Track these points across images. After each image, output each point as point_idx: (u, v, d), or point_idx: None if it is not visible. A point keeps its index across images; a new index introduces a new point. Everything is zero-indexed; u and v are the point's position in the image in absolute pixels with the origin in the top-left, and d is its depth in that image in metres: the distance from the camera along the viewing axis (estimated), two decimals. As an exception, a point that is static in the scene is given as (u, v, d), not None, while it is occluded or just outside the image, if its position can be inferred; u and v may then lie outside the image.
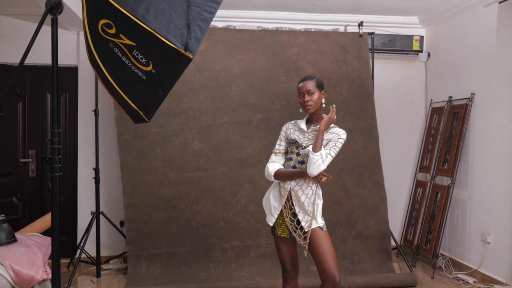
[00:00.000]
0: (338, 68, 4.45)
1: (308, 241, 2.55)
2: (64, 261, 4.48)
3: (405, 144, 5.11)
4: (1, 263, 2.71)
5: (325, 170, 2.52)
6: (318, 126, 2.60)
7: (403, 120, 5.10)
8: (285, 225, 2.63)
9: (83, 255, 4.21)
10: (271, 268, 4.01)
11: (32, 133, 4.66)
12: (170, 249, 4.00)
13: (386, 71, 5.00)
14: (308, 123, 2.70)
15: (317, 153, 2.47)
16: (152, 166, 4.06)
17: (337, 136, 2.59)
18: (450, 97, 4.61)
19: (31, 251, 2.95)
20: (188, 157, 4.11)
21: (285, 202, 2.62)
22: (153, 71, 1.96)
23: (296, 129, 2.70)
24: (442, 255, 4.58)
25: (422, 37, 4.97)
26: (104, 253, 4.47)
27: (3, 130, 4.62)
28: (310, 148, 2.53)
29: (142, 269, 3.93)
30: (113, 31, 1.91)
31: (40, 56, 3.84)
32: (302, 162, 2.60)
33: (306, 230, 2.55)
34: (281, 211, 2.64)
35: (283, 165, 2.67)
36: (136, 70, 1.98)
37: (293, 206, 2.60)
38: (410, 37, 4.94)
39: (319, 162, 2.46)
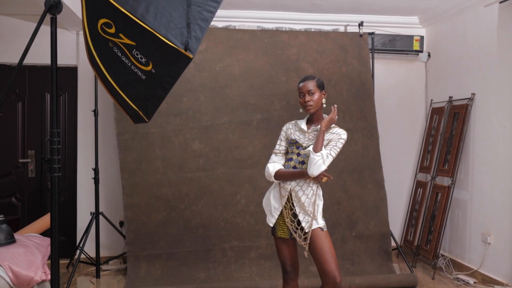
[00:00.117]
0: (338, 68, 4.44)
1: (308, 241, 2.54)
2: (63, 261, 4.48)
3: (405, 144, 5.11)
4: (0, 264, 2.70)
5: (325, 170, 2.51)
6: (319, 126, 2.59)
7: (403, 120, 5.09)
8: (285, 225, 2.62)
9: (82, 256, 4.20)
10: (271, 268, 3.99)
11: (32, 133, 4.65)
12: (169, 250, 3.99)
13: (386, 71, 5.00)
14: (309, 123, 2.69)
15: (318, 154, 2.46)
16: (151, 166, 4.05)
17: (337, 136, 2.58)
18: (450, 97, 4.61)
19: (30, 252, 2.93)
20: (188, 157, 4.10)
21: (286, 203, 2.61)
22: (153, 70, 1.95)
23: (296, 129, 2.69)
24: (443, 255, 4.57)
25: (422, 37, 4.96)
26: (103, 253, 4.46)
27: (2, 130, 4.61)
28: (310, 148, 2.52)
29: (141, 270, 3.92)
30: (112, 30, 1.89)
31: (40, 56, 3.83)
32: (303, 163, 2.59)
33: (306, 231, 2.54)
34: (282, 211, 2.63)
35: (284, 165, 2.66)
36: (135, 70, 1.97)
37: (293, 206, 2.59)
38: (410, 37, 4.93)
39: (319, 162, 2.44)
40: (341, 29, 4.91)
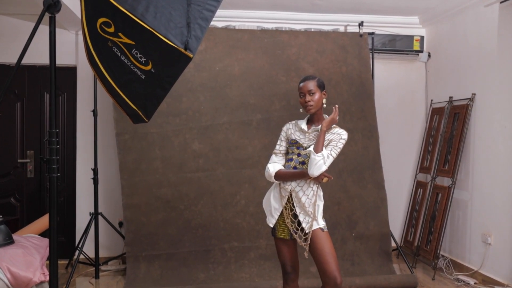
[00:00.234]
0: (338, 68, 4.43)
1: (309, 242, 2.53)
2: (62, 262, 4.47)
3: (406, 144, 5.10)
4: (-1, 264, 2.69)
5: (325, 171, 2.50)
6: (319, 127, 2.58)
7: (403, 121, 5.08)
8: (285, 226, 2.61)
9: (81, 256, 4.18)
10: (271, 269, 3.98)
11: (31, 134, 4.63)
12: (169, 250, 3.98)
13: (386, 71, 4.99)
14: (309, 123, 2.67)
15: (319, 154, 2.45)
16: (151, 166, 4.04)
17: (338, 136, 2.56)
18: (450, 97, 4.60)
19: (28, 252, 2.92)
20: (187, 157, 4.09)
21: (286, 203, 2.60)
22: (153, 70, 1.94)
23: (296, 130, 2.68)
24: (443, 256, 4.56)
25: (422, 37, 4.95)
26: (102, 254, 4.45)
27: (1, 130, 4.59)
28: (311, 148, 2.51)
29: (141, 270, 3.91)
30: (112, 29, 1.88)
31: (39, 56, 3.82)
32: (303, 163, 2.58)
33: (307, 231, 2.53)
34: (282, 212, 2.62)
35: (284, 165, 2.65)
36: (135, 70, 1.96)
37: (293, 207, 2.57)
38: (411, 37, 4.92)
39: (320, 163, 2.43)
40: (341, 29, 4.90)
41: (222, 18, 4.60)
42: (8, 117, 4.59)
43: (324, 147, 2.50)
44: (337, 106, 2.61)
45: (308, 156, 2.55)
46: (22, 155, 4.63)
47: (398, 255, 4.79)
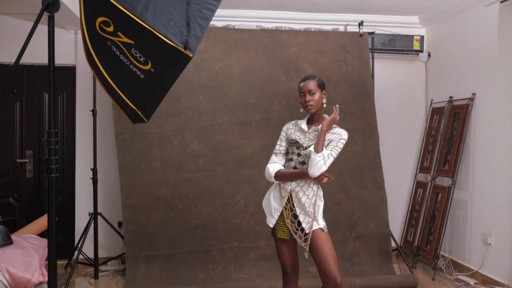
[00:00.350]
0: (338, 68, 4.42)
1: (309, 242, 2.52)
2: (61, 262, 4.46)
3: (405, 144, 5.09)
4: (-3, 265, 2.68)
5: (325, 171, 2.49)
6: (319, 126, 2.57)
7: (403, 121, 5.07)
8: (285, 226, 2.60)
9: (80, 257, 4.17)
10: (270, 269, 3.97)
11: (30, 133, 4.62)
12: (168, 251, 3.97)
13: (386, 71, 4.98)
14: (309, 123, 2.66)
15: (319, 154, 2.44)
16: (150, 166, 4.03)
17: (338, 136, 2.55)
18: (450, 97, 4.59)
19: (27, 253, 2.91)
20: (187, 157, 4.07)
21: (286, 203, 2.59)
22: (152, 70, 1.93)
23: (296, 129, 2.67)
24: (443, 256, 4.56)
25: (422, 37, 4.94)
26: (102, 254, 4.43)
27: (0, 130, 4.58)
28: (311, 148, 2.49)
29: (140, 271, 3.89)
30: (111, 29, 1.87)
31: (38, 55, 3.81)
32: (303, 163, 2.57)
33: (307, 232, 2.52)
34: (282, 212, 2.60)
35: (284, 165, 2.64)
36: (134, 69, 1.95)
37: (293, 207, 2.56)
38: (411, 37, 4.92)
39: (321, 163, 2.42)
40: (341, 28, 4.89)
41: (222, 18, 4.59)
42: (7, 116, 4.58)
43: (324, 147, 2.49)
44: (337, 106, 2.60)
45: (308, 156, 2.54)
46: (21, 155, 4.62)
47: (398, 255, 4.79)
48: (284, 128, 2.72)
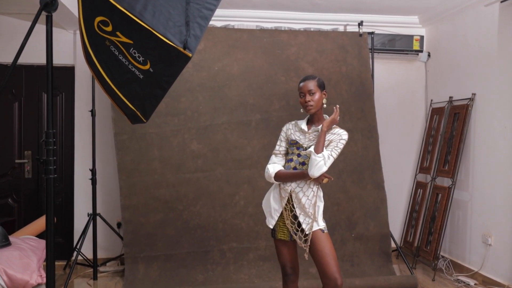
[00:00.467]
0: (338, 68, 4.41)
1: (309, 243, 2.50)
2: (60, 263, 4.44)
3: (405, 144, 5.08)
4: (-5, 266, 2.66)
5: (325, 171, 2.48)
6: (319, 127, 2.56)
7: (403, 121, 5.06)
8: (285, 227, 2.59)
9: (79, 258, 4.15)
10: (270, 270, 3.96)
11: (28, 134, 4.60)
12: (167, 251, 3.95)
13: (386, 71, 4.97)
14: (309, 123, 2.65)
15: (320, 155, 2.43)
16: (149, 167, 4.01)
17: (338, 137, 2.54)
18: (450, 97, 4.58)
19: (25, 254, 2.89)
20: (186, 158, 4.06)
21: (286, 204, 2.58)
22: (151, 70, 1.91)
23: (296, 130, 2.66)
24: (443, 257, 4.55)
25: (422, 37, 4.93)
26: (101, 255, 4.42)
27: (-1, 131, 4.57)
28: (311, 149, 2.48)
29: (139, 272, 3.88)
30: (109, 28, 1.86)
31: (36, 55, 3.79)
32: (303, 163, 2.56)
33: (307, 233, 2.51)
34: (282, 213, 2.59)
35: (284, 166, 2.63)
36: (133, 69, 1.94)
37: (293, 208, 2.55)
38: (410, 37, 4.91)
39: (321, 163, 2.41)
40: (341, 28, 4.88)
41: (221, 18, 4.58)
42: (5, 117, 4.56)
43: (324, 148, 2.48)
44: (337, 106, 2.59)
45: (308, 156, 2.53)
46: (19, 156, 4.60)
47: (398, 255, 4.78)
48: (284, 129, 2.71)
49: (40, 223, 3.87)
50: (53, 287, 2.00)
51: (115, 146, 4.02)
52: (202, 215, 4.02)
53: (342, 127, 2.62)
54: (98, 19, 1.86)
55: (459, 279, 4.13)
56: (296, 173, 2.54)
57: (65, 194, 4.66)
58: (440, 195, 4.44)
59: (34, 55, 3.95)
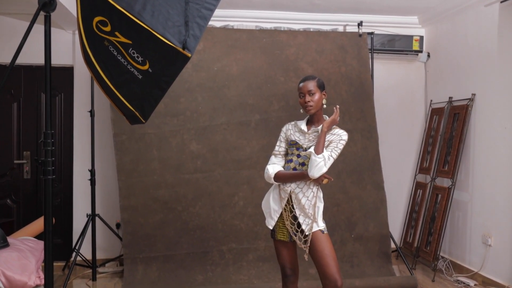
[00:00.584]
0: (338, 68, 4.40)
1: (308, 244, 2.49)
2: (59, 264, 4.43)
3: (405, 145, 5.07)
4: (-7, 268, 2.65)
5: (325, 172, 2.47)
6: (319, 127, 2.55)
7: (402, 121, 5.06)
8: (285, 228, 2.58)
9: (78, 258, 4.14)
10: (269, 271, 3.95)
11: (27, 134, 4.59)
12: (167, 252, 3.94)
13: (385, 72, 4.96)
14: (309, 124, 2.64)
15: (320, 156, 2.42)
16: (148, 167, 4.00)
17: (338, 137, 2.53)
18: (450, 97, 4.57)
19: (23, 256, 2.87)
20: (185, 158, 4.05)
21: (285, 205, 2.57)
22: (150, 70, 1.90)
23: (296, 130, 2.65)
24: (443, 257, 4.54)
25: (422, 37, 4.92)
26: (100, 256, 4.40)
27: (-3, 131, 4.55)
28: (312, 150, 2.47)
29: (138, 272, 3.87)
30: (108, 28, 1.84)
31: (35, 56, 3.77)
32: (303, 164, 2.55)
33: (306, 234, 2.50)
34: (281, 214, 2.58)
35: (283, 167, 2.62)
36: (132, 69, 1.92)
37: (293, 208, 2.54)
38: (410, 37, 4.90)
39: (321, 164, 2.40)
40: (340, 29, 4.87)
41: (221, 18, 4.57)
42: (4, 117, 4.55)
43: (325, 148, 2.47)
44: (338, 106, 2.58)
45: (308, 157, 2.52)
46: (18, 156, 4.59)
47: (398, 256, 4.77)
48: (284, 129, 2.70)
49: (39, 224, 3.86)
50: (51, 288, 1.99)
51: (114, 146, 4.02)
52: (202, 216, 4.01)
53: (341, 128, 2.62)
54: (97, 19, 1.85)
55: (459, 280, 4.12)
56: (296, 174, 2.53)
57: (64, 195, 4.65)
58: (440, 195, 4.43)
59: (33, 56, 3.92)
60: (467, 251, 4.30)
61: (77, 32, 4.42)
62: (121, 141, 3.99)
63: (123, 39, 1.85)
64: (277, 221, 2.60)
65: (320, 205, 2.56)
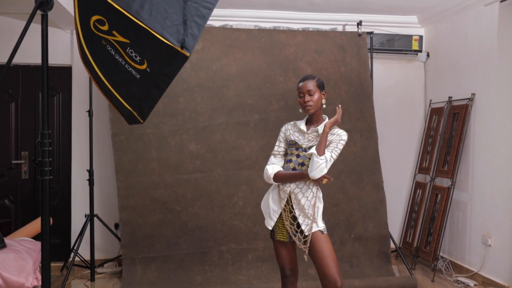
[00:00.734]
0: (337, 68, 4.39)
1: (308, 245, 2.48)
2: (57, 264, 4.41)
3: (404, 145, 5.06)
4: (-9, 269, 2.63)
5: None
6: (318, 127, 2.54)
7: (402, 121, 5.04)
8: (284, 228, 2.56)
9: (77, 259, 4.12)
10: (268, 271, 3.94)
11: (25, 134, 4.57)
12: (165, 253, 3.93)
13: (385, 71, 4.95)
14: (308, 124, 2.63)
15: (322, 157, 2.40)
16: (147, 167, 3.99)
17: (338, 137, 2.52)
18: (450, 97, 4.56)
19: (21, 257, 2.86)
20: (184, 158, 4.03)
21: (285, 205, 2.55)
22: (148, 69, 1.89)
23: (295, 130, 2.63)
24: (442, 257, 4.53)
25: (421, 37, 4.92)
26: (98, 256, 4.38)
27: (-4, 131, 4.54)
28: (313, 150, 2.45)
29: (137, 273, 3.85)
30: (105, 27, 1.83)
31: (33, 55, 3.76)
32: (302, 164, 2.53)
33: (306, 234, 2.48)
34: (281, 214, 2.57)
35: (283, 167, 2.60)
36: (130, 69, 1.91)
37: (293, 209, 2.53)
38: (409, 37, 4.89)
39: (322, 165, 2.39)
40: (340, 28, 4.86)
41: (219, 17, 4.55)
42: (2, 117, 4.53)
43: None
44: (340, 106, 2.56)
45: (307, 157, 2.50)
46: (16, 156, 4.57)
47: (397, 256, 4.76)
48: (283, 129, 2.69)
49: (36, 225, 3.84)
50: (48, 290, 1.97)
51: (112, 146, 4.00)
52: (201, 216, 3.99)
53: (341, 128, 2.60)
54: (94, 18, 1.84)
55: (458, 280, 4.11)
56: (296, 174, 2.51)
57: (62, 195, 4.63)
58: (439, 195, 4.42)
59: (31, 55, 3.91)
60: (467, 251, 4.29)
61: (75, 31, 4.42)
62: (119, 141, 3.98)
63: (120, 38, 1.83)
64: (276, 222, 2.59)
65: (320, 206, 2.55)
